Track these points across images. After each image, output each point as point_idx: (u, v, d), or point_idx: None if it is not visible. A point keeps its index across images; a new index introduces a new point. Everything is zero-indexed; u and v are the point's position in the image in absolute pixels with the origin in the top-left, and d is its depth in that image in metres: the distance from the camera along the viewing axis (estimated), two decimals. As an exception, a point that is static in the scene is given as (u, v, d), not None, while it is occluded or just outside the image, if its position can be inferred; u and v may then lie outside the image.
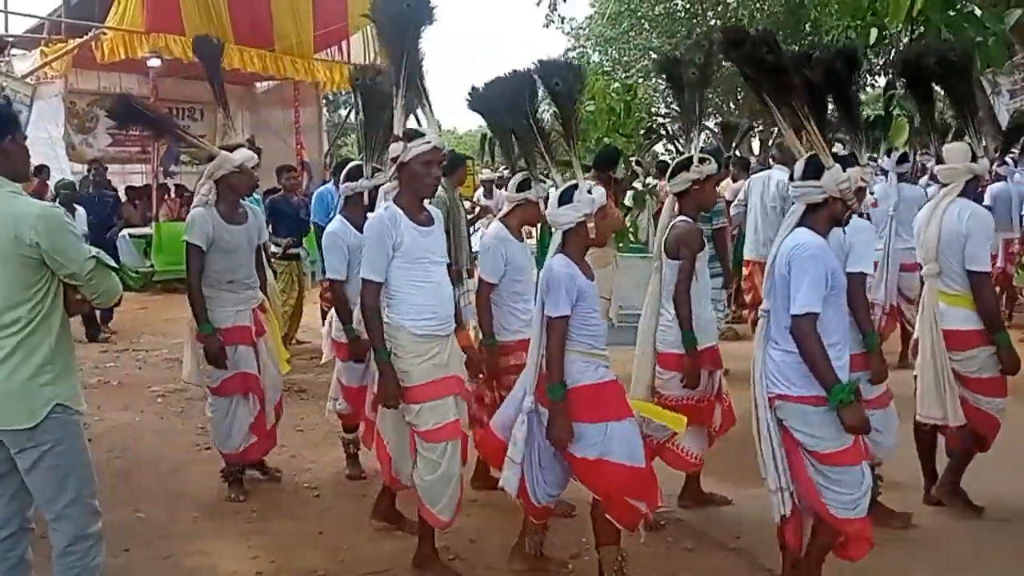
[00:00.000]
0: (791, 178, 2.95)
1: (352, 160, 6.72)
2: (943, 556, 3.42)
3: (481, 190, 10.95)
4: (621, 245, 6.27)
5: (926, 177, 8.09)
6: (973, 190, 3.71)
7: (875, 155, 7.35)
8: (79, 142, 13.85)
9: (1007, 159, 7.91)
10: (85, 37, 11.17)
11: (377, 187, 4.01)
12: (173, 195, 13.98)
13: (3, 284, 2.43)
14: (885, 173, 6.14)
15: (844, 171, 2.81)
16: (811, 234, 2.82)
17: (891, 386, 3.60)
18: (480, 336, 3.88)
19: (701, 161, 3.70)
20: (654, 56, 21.92)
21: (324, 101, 15.99)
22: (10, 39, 12.00)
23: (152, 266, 11.70)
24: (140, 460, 4.72)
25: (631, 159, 7.86)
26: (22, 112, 8.54)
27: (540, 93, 3.26)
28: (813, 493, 2.81)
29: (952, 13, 4.60)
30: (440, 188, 4.09)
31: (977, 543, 3.59)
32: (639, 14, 20.63)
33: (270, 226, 6.52)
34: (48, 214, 2.47)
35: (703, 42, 4.02)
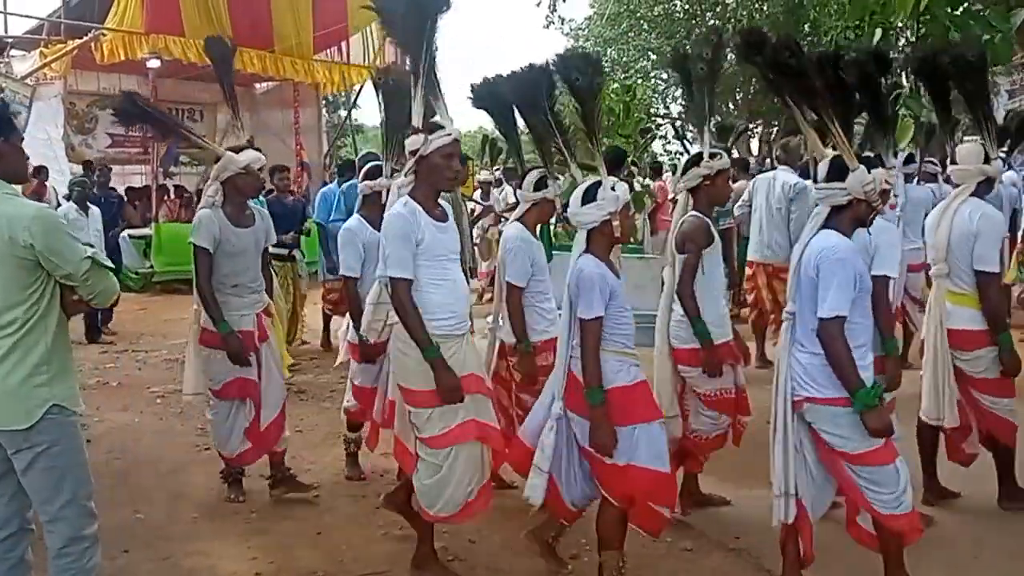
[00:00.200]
0: (815, 180, 2.92)
1: (369, 159, 6.77)
2: (943, 556, 3.42)
3: (479, 191, 10.97)
4: (621, 246, 6.27)
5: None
6: (985, 191, 3.70)
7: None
8: (78, 143, 13.86)
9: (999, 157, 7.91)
10: (85, 38, 11.18)
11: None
12: (173, 196, 13.99)
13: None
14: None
15: (869, 172, 2.79)
16: (839, 236, 2.80)
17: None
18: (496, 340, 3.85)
19: (712, 156, 3.66)
20: (653, 57, 21.95)
21: (324, 102, 16.00)
22: (9, 40, 11.99)
23: (152, 267, 11.71)
24: (139, 461, 4.72)
25: (628, 160, 7.86)
26: (21, 113, 8.55)
27: (557, 88, 3.20)
28: (860, 495, 2.82)
29: (958, 12, 4.62)
30: None
31: (977, 543, 3.59)
32: (638, 15, 20.65)
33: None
34: (43, 215, 2.46)
35: (710, 37, 3.99)
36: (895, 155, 5.85)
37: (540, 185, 3.75)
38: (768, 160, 11.34)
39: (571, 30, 22.99)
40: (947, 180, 7.05)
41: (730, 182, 3.86)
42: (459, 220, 5.32)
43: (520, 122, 3.85)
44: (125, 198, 12.54)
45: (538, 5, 20.47)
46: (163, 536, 3.71)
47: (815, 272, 2.76)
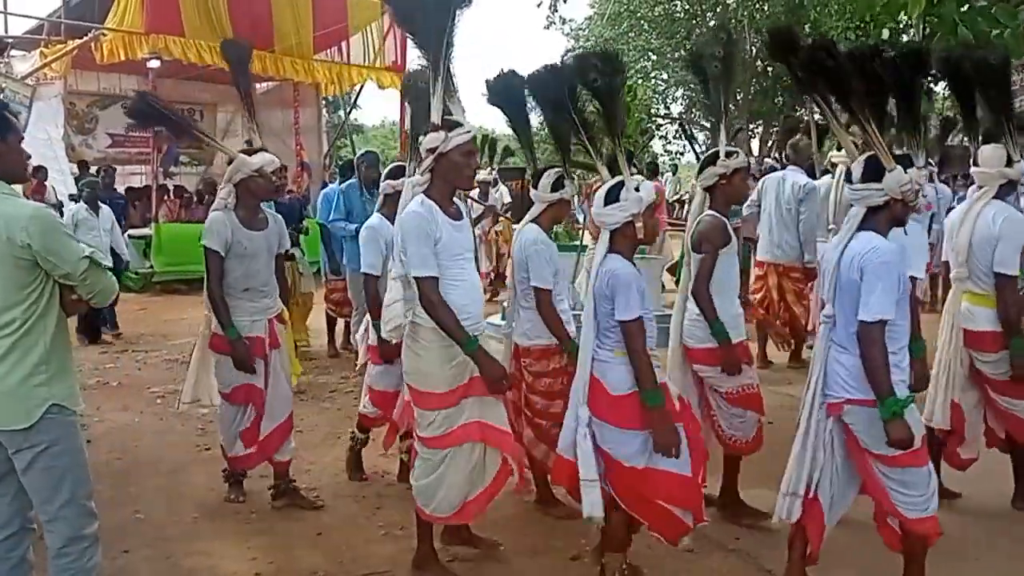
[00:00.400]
0: (849, 180, 2.89)
1: (367, 158, 6.77)
2: (944, 557, 3.41)
3: (477, 191, 10.96)
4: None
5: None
6: (1007, 194, 3.69)
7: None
8: (78, 143, 13.87)
9: None
10: (85, 38, 11.17)
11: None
12: (172, 196, 13.99)
13: None
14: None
15: (905, 172, 2.77)
16: (880, 238, 2.77)
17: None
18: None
19: (728, 155, 3.60)
20: (654, 57, 21.95)
21: (324, 102, 15.99)
22: (10, 40, 11.99)
23: (151, 267, 11.70)
24: (140, 461, 4.71)
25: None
26: (21, 113, 8.54)
27: (579, 88, 3.15)
28: (887, 497, 2.82)
29: (964, 8, 4.64)
30: None
31: (978, 544, 3.59)
32: (638, 15, 20.68)
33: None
34: (40, 215, 2.46)
35: (721, 35, 3.95)
36: (926, 155, 5.86)
37: (557, 186, 3.69)
38: (767, 160, 11.35)
39: (571, 30, 23.03)
40: (944, 181, 7.02)
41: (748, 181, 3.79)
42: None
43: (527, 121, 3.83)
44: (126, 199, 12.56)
45: (539, 6, 20.50)
46: (163, 536, 3.71)
47: (859, 275, 2.73)
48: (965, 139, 3.89)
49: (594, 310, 2.93)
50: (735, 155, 3.63)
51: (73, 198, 11.83)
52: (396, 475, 4.35)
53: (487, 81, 3.62)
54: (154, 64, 11.32)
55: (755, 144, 21.81)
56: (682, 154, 24.65)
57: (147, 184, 13.67)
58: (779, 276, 6.22)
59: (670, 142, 24.45)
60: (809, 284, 6.25)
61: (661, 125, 23.65)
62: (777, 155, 12.59)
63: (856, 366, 2.76)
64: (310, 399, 5.96)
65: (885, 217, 2.82)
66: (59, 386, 2.50)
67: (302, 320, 7.20)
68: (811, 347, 6.81)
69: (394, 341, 3.38)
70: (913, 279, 3.30)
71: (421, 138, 3.06)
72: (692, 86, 20.83)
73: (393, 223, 3.93)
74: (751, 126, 21.41)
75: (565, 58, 3.24)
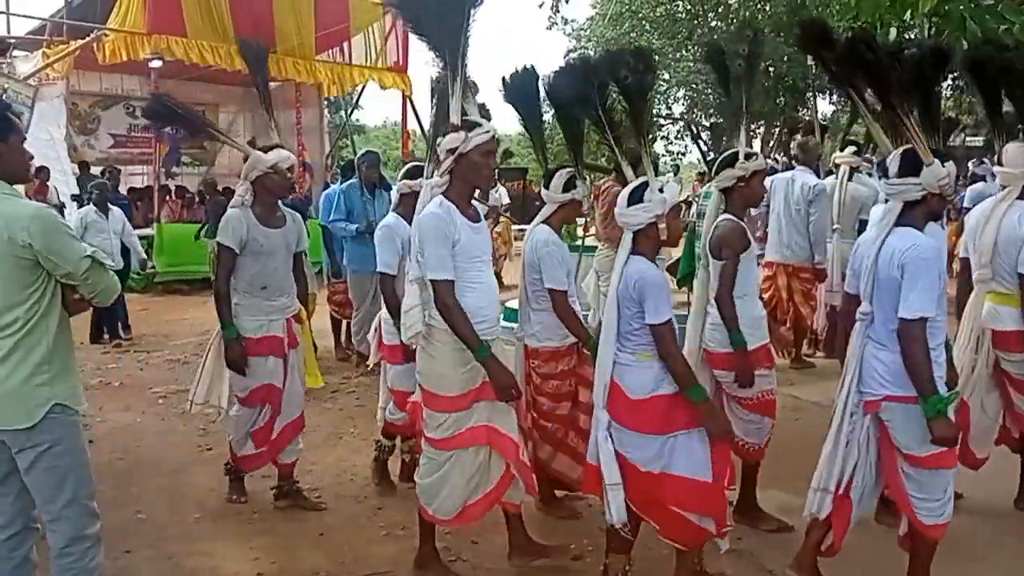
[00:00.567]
0: (885, 175, 2.86)
1: (368, 158, 6.75)
2: (948, 557, 3.40)
3: (477, 191, 10.95)
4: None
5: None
6: None
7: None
8: (81, 143, 13.89)
9: (985, 159, 7.87)
10: (87, 39, 11.19)
11: None
12: (174, 197, 14.00)
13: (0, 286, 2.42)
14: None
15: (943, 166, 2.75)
16: (919, 234, 2.74)
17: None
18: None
19: (747, 157, 3.52)
20: (656, 57, 21.90)
21: (326, 102, 16.00)
22: (12, 41, 12.01)
23: (153, 267, 11.72)
24: (141, 461, 4.71)
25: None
26: (24, 113, 8.54)
27: (608, 86, 3.10)
28: (906, 499, 2.81)
29: (972, 6, 4.65)
30: None
31: (982, 543, 3.58)
32: (640, 15, 20.65)
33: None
34: (41, 215, 2.46)
35: (747, 32, 3.87)
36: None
37: (569, 186, 3.66)
38: (768, 161, 11.34)
39: (573, 31, 23.00)
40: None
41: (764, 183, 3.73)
42: None
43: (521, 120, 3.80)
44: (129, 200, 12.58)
45: (540, 7, 20.48)
46: (165, 536, 3.71)
47: (899, 271, 2.70)
48: (966, 139, 3.86)
49: (616, 313, 2.89)
50: (754, 157, 3.56)
51: (76, 199, 11.85)
52: (398, 475, 4.34)
53: (503, 79, 3.59)
54: (156, 64, 11.34)
55: (756, 144, 21.78)
56: (683, 154, 24.65)
57: (149, 184, 13.69)
58: (788, 276, 6.20)
59: (671, 142, 24.41)
60: (817, 285, 6.25)
61: (663, 125, 23.63)
62: (777, 156, 12.58)
63: (895, 363, 2.74)
64: (312, 399, 5.92)
65: (922, 212, 2.79)
66: (62, 386, 2.50)
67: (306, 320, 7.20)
68: (813, 347, 6.86)
69: (414, 347, 3.35)
70: None
71: (440, 139, 3.04)
72: (694, 86, 20.82)
73: (409, 223, 3.94)
74: (752, 126, 21.40)
75: (597, 55, 3.19)
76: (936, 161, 2.76)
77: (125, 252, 8.17)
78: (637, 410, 2.85)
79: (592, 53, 22.15)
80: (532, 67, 3.59)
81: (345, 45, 13.75)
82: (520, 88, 3.57)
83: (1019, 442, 3.85)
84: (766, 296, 6.38)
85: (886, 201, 2.90)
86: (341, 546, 3.61)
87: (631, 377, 2.88)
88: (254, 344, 3.74)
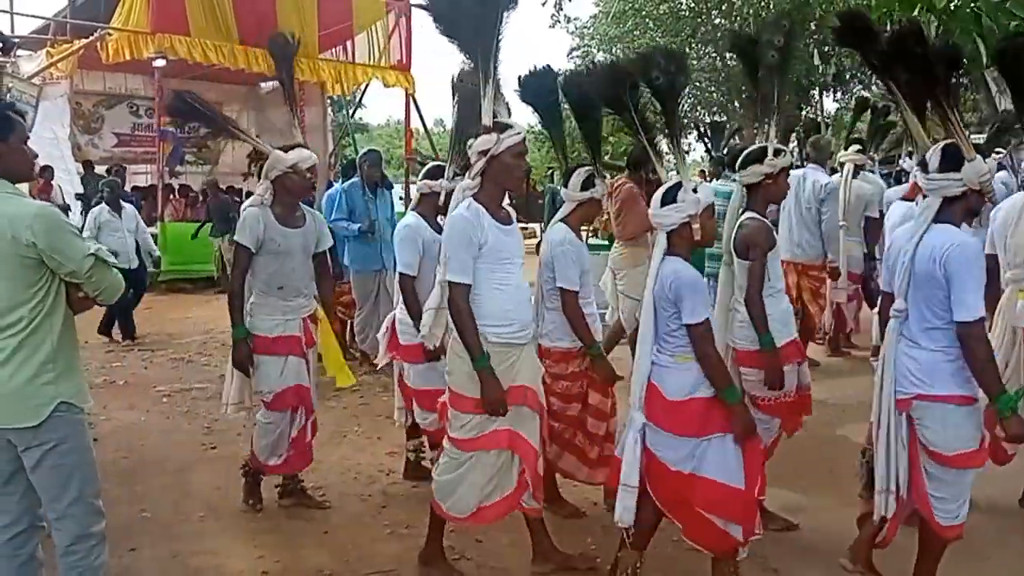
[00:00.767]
0: (925, 170, 2.80)
1: (370, 157, 6.74)
2: (954, 555, 3.40)
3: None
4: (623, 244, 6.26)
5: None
6: None
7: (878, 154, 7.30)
8: (84, 143, 13.91)
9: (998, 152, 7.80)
10: (90, 38, 11.20)
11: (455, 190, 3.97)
12: (178, 195, 14.02)
13: (3, 285, 2.42)
14: (906, 175, 6.09)
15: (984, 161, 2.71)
16: (960, 232, 2.71)
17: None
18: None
19: (776, 153, 3.44)
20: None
21: (328, 101, 16.00)
22: (16, 40, 12.02)
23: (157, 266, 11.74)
24: (146, 460, 4.72)
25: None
26: (28, 112, 8.55)
27: (641, 87, 3.09)
28: (925, 499, 2.81)
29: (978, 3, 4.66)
30: None
31: (987, 542, 3.56)
32: (643, 13, 20.62)
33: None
34: (45, 214, 2.46)
35: (784, 23, 3.77)
36: (910, 156, 5.80)
37: (587, 184, 3.64)
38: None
39: (576, 29, 22.99)
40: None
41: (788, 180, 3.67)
42: None
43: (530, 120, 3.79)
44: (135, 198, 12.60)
45: (543, 4, 20.46)
46: (170, 534, 3.71)
47: (941, 269, 2.64)
48: (970, 136, 3.82)
49: (653, 314, 2.87)
50: (783, 154, 3.48)
51: (80, 197, 11.87)
52: (402, 473, 4.35)
53: (518, 78, 3.56)
54: (160, 63, 11.35)
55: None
56: (687, 152, 24.64)
57: (153, 183, 13.72)
58: (798, 275, 6.18)
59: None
60: (825, 283, 6.23)
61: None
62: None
63: (928, 361, 2.72)
64: (316, 398, 5.96)
65: (961, 208, 2.75)
66: (67, 384, 2.50)
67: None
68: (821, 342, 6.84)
69: (432, 346, 3.34)
70: None
71: (472, 141, 3.02)
72: (698, 84, 20.76)
73: (428, 223, 3.91)
74: (756, 124, 21.34)
75: (630, 56, 3.18)
76: (978, 156, 2.72)
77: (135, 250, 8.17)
78: (674, 412, 2.83)
79: (595, 51, 22.22)
80: (548, 66, 3.57)
81: (348, 43, 13.74)
82: (538, 87, 3.53)
83: None
84: None
85: (920, 199, 2.86)
86: (345, 544, 3.61)
87: (670, 379, 2.86)
88: (270, 343, 3.70)
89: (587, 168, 3.67)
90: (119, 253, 7.64)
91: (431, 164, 4.17)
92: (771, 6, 18.30)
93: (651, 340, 2.88)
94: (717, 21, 20.51)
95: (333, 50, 13.61)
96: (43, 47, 11.85)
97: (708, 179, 7.96)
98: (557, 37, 60.23)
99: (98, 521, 2.59)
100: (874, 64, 2.92)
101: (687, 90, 22.55)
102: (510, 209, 3.15)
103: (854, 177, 6.51)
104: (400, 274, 3.92)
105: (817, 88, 16.53)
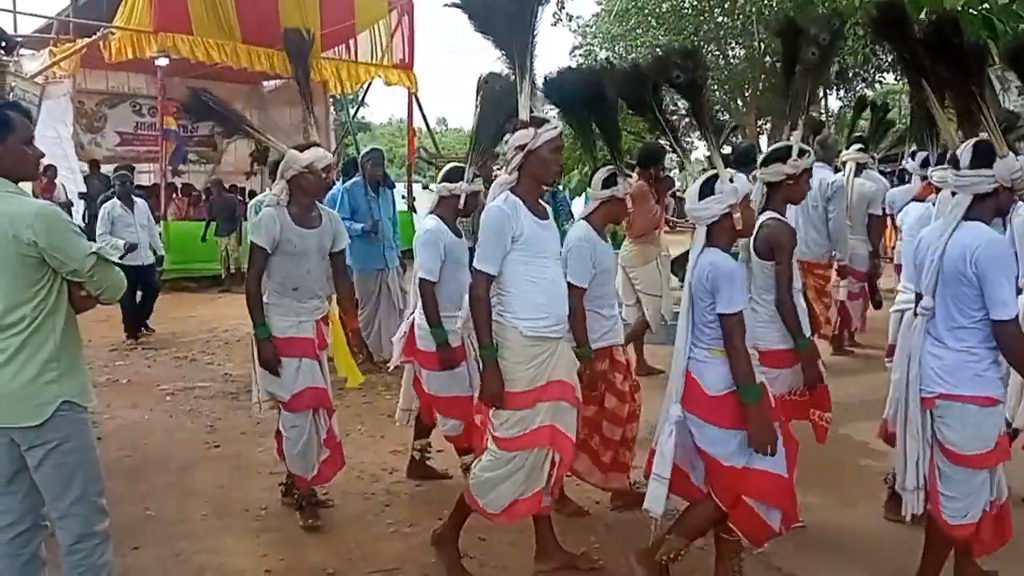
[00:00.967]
0: (955, 167, 2.77)
1: (372, 156, 6.74)
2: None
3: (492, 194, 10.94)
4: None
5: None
6: None
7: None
8: (87, 141, 13.95)
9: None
10: (93, 37, 11.22)
11: (475, 193, 3.92)
12: (181, 194, 14.04)
13: (5, 284, 2.42)
14: (908, 176, 6.05)
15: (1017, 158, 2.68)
16: (991, 230, 2.68)
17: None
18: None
19: (800, 154, 3.37)
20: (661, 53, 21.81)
21: (331, 99, 16.01)
22: (19, 39, 12.04)
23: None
24: (149, 458, 4.72)
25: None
26: (31, 112, 8.55)
27: (663, 87, 3.09)
28: (935, 498, 2.81)
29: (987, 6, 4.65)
30: None
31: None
32: (646, 11, 20.60)
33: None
34: (45, 212, 2.46)
35: (833, 20, 3.70)
36: (912, 156, 5.77)
37: (609, 183, 3.63)
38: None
39: (578, 27, 22.97)
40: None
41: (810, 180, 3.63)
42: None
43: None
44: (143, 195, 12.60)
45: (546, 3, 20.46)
46: (173, 533, 3.71)
47: (972, 268, 2.62)
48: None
49: (690, 305, 2.86)
50: (807, 155, 3.40)
51: (83, 196, 11.88)
52: (405, 472, 4.35)
53: (544, 78, 3.53)
54: (162, 62, 11.37)
55: (764, 141, 21.73)
56: (690, 150, 24.62)
57: (156, 182, 13.73)
58: (804, 273, 6.16)
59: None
60: (830, 281, 6.22)
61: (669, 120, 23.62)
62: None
63: (953, 360, 2.71)
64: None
65: (991, 205, 2.72)
66: (70, 383, 2.50)
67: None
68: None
69: (467, 335, 3.30)
70: None
71: (508, 137, 3.04)
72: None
73: (447, 225, 3.90)
74: (759, 122, 21.32)
75: (650, 57, 3.18)
76: (1010, 153, 2.69)
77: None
78: (718, 406, 2.82)
79: (597, 49, 22.20)
80: (571, 66, 3.58)
81: (351, 42, 13.77)
82: (564, 86, 3.50)
83: None
84: None
85: (941, 197, 2.82)
86: (348, 543, 3.62)
87: (709, 373, 2.85)
88: (283, 344, 3.68)
89: (609, 167, 3.67)
90: (137, 246, 7.65)
91: (450, 166, 4.11)
92: (773, 4, 18.27)
93: (687, 330, 2.87)
94: (720, 19, 20.49)
95: (335, 49, 13.62)
96: (46, 46, 11.88)
97: None
98: (559, 35, 60.22)
99: (102, 520, 2.59)
100: (905, 57, 2.88)
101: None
102: (547, 207, 3.16)
103: (856, 175, 6.50)
104: (420, 279, 3.86)
105: (821, 86, 16.48)
